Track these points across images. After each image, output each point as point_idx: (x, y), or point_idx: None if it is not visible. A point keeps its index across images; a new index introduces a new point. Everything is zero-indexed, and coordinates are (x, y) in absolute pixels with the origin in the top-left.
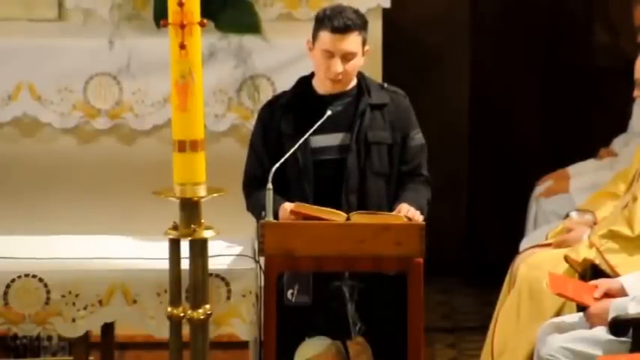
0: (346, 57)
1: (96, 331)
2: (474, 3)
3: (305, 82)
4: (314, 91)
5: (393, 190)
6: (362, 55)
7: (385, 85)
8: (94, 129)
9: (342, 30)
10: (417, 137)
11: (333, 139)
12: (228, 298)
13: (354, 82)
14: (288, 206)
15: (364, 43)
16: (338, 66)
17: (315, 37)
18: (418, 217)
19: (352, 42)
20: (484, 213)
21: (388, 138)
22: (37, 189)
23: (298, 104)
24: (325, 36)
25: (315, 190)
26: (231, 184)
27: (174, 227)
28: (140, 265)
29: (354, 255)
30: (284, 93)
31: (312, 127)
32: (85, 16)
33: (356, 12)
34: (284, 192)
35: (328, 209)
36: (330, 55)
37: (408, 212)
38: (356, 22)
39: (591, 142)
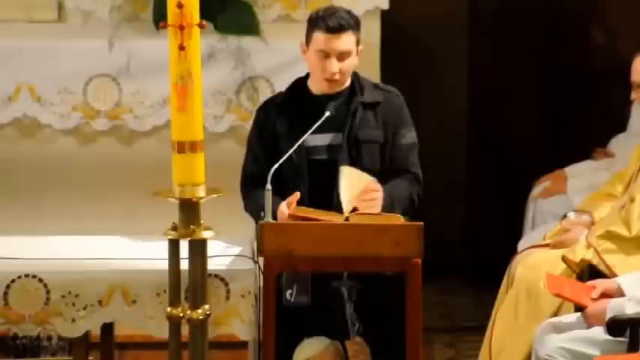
0: (342, 56)
1: (95, 331)
2: (472, 4)
3: (300, 82)
4: (309, 92)
5: None
6: (356, 55)
7: (380, 84)
8: (93, 130)
9: (337, 29)
10: (409, 136)
11: (326, 139)
12: (228, 298)
13: (347, 82)
14: (285, 209)
15: (358, 42)
16: (334, 66)
17: (308, 38)
18: (376, 206)
19: (347, 41)
20: (482, 213)
21: (380, 137)
22: (37, 190)
23: (293, 105)
24: (320, 36)
25: (309, 189)
26: (230, 184)
27: (174, 228)
28: (140, 266)
29: (352, 255)
30: (280, 94)
31: (307, 127)
32: (85, 17)
33: (349, 12)
34: (279, 191)
35: (326, 211)
36: (325, 55)
37: (366, 195)
38: (349, 22)
39: (589, 144)
